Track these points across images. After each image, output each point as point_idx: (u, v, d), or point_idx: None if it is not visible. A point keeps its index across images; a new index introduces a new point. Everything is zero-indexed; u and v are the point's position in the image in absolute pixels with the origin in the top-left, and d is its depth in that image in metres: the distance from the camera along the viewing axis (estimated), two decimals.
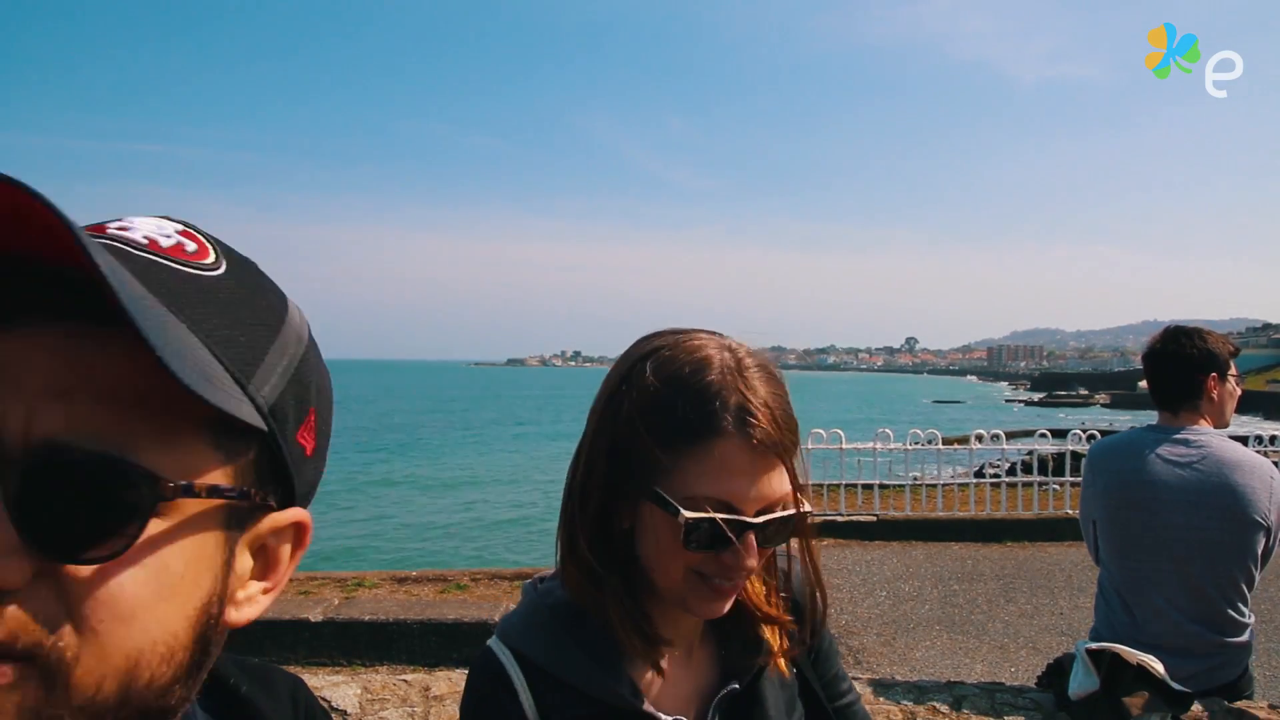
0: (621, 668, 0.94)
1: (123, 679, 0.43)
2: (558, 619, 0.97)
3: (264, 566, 0.53)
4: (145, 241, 0.48)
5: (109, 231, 0.49)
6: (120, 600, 0.42)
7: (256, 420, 0.47)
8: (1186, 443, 2.55)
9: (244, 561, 0.51)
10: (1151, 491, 2.52)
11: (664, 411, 0.89)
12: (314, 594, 6.13)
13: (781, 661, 1.03)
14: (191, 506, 0.45)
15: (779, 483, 0.90)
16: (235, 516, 0.49)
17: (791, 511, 0.92)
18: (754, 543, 0.88)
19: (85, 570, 0.42)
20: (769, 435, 0.89)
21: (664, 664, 0.98)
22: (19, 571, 0.40)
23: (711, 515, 0.87)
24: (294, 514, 0.53)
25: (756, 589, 1.02)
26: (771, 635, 1.02)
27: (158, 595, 0.44)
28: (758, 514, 0.89)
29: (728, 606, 0.93)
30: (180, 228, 0.52)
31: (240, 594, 0.51)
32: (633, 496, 0.92)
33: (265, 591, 0.53)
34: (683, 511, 0.87)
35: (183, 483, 0.44)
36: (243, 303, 0.50)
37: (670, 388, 0.90)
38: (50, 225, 0.39)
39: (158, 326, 0.40)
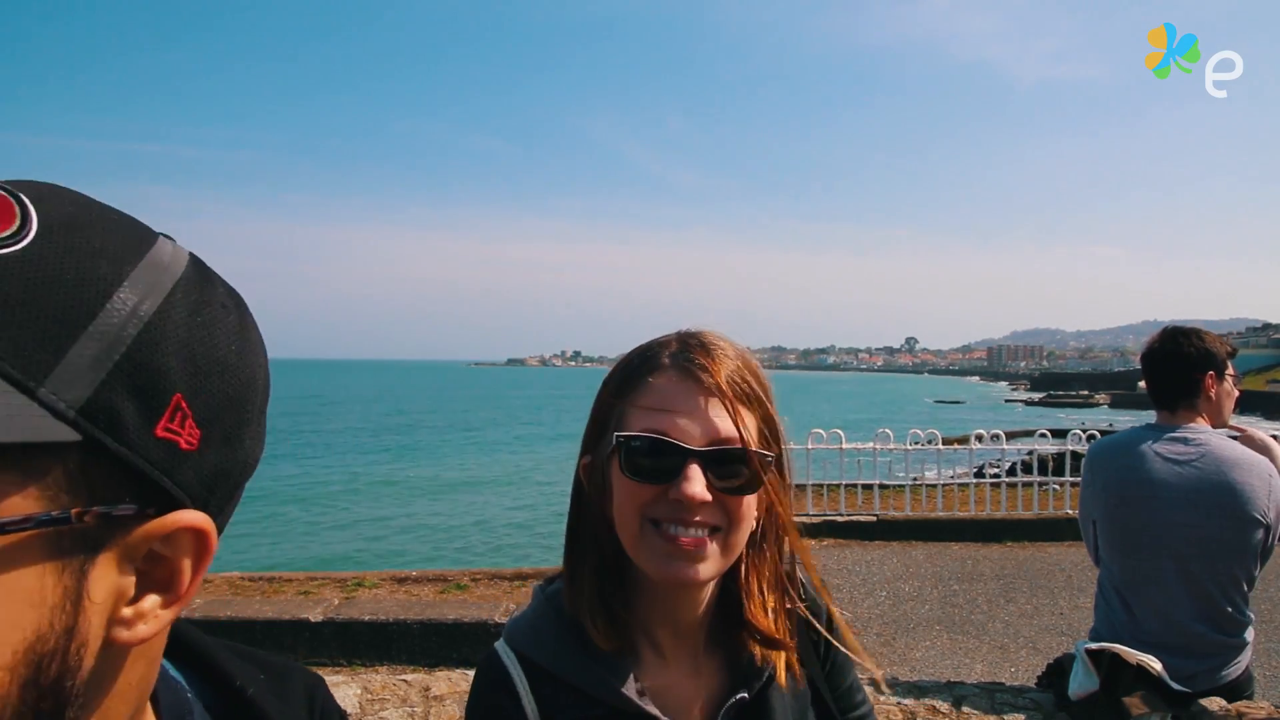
0: (627, 671, 0.94)
1: None
2: (564, 621, 0.97)
3: (164, 578, 0.47)
4: None
5: None
6: None
7: (56, 432, 0.40)
8: (1185, 441, 2.56)
9: (114, 580, 0.44)
10: (1150, 489, 2.52)
11: (620, 368, 0.97)
12: (314, 594, 6.13)
13: (795, 669, 1.01)
14: None
15: (727, 423, 0.90)
16: (66, 541, 0.42)
17: (741, 447, 0.90)
18: (698, 473, 0.88)
19: None
20: (709, 370, 0.91)
21: (669, 669, 0.97)
22: None
23: (645, 434, 0.89)
24: (177, 519, 0.46)
25: (765, 601, 1.00)
26: (776, 659, 1.01)
27: None
28: (709, 452, 0.89)
29: (691, 571, 0.90)
30: None
31: (127, 612, 0.45)
32: (603, 461, 0.95)
33: (165, 605, 0.47)
34: (618, 433, 0.91)
35: None
36: (43, 283, 0.41)
37: (630, 353, 0.98)
38: None
39: None
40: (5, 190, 0.43)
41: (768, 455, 0.92)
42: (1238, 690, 2.52)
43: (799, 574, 1.07)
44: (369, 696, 2.89)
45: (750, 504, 0.93)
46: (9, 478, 0.39)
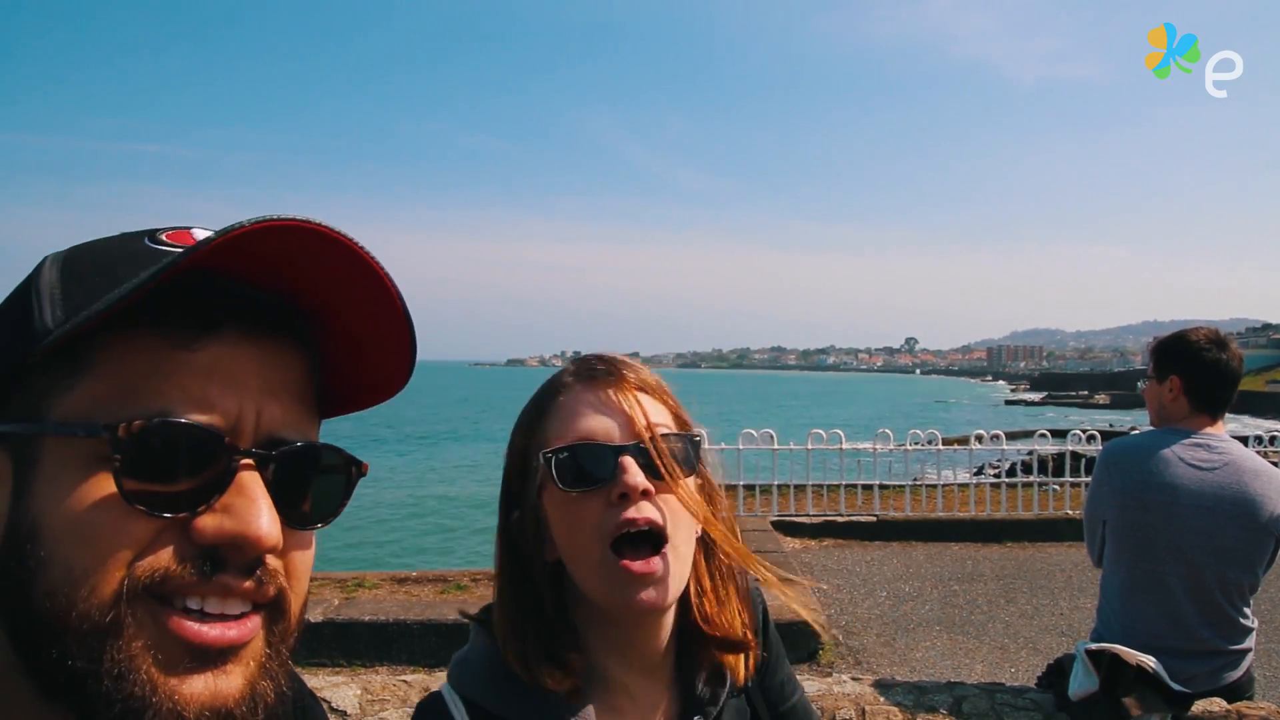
0: (585, 709, 0.91)
1: (300, 614, 0.57)
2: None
3: None
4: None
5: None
6: (308, 556, 0.58)
7: None
8: (1209, 448, 2.53)
9: None
10: (1170, 495, 2.50)
11: (524, 412, 0.97)
12: (314, 594, 6.12)
13: (752, 665, 1.01)
14: None
15: (642, 415, 0.91)
16: None
17: (666, 433, 0.91)
18: (633, 464, 0.87)
19: (300, 534, 0.57)
20: (611, 373, 0.93)
21: (627, 703, 0.95)
22: (279, 539, 0.53)
23: (569, 444, 0.89)
24: None
25: (723, 614, 0.98)
26: (735, 663, 1.00)
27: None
28: (638, 443, 0.90)
29: (659, 595, 0.88)
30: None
31: None
32: (533, 505, 0.94)
33: None
34: (543, 453, 0.90)
35: (362, 462, 0.62)
36: None
37: (530, 399, 0.99)
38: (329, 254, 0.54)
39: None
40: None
41: (695, 436, 0.94)
42: (1238, 691, 2.52)
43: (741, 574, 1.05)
44: (369, 697, 2.88)
45: (685, 494, 0.91)
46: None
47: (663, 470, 0.88)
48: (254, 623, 0.53)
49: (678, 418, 0.96)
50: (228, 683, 0.50)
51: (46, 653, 0.48)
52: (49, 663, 0.48)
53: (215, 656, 0.50)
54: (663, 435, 0.90)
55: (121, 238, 0.59)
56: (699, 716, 0.97)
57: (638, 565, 0.87)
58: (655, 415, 0.92)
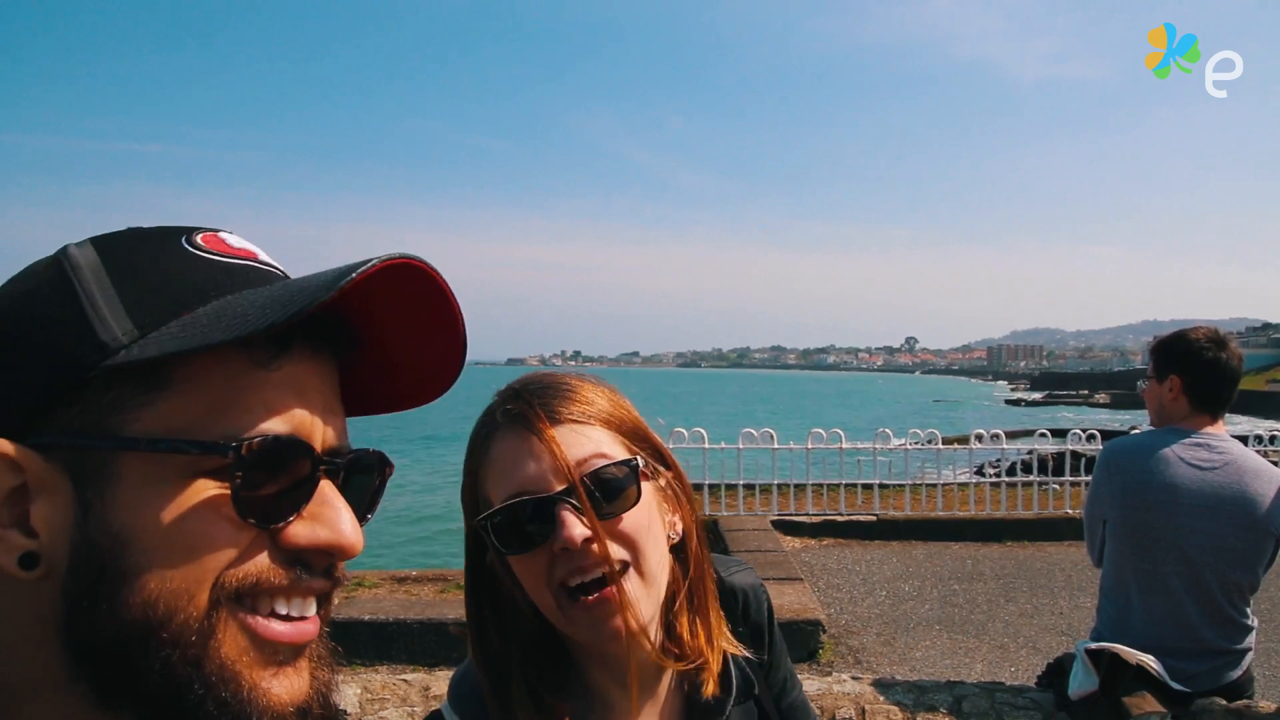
0: None
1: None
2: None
3: None
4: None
5: (259, 257, 0.60)
6: None
7: None
8: (1209, 448, 2.53)
9: None
10: (1171, 495, 2.50)
11: (467, 454, 0.93)
12: None
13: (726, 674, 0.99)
14: None
15: (577, 451, 0.86)
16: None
17: (601, 465, 0.86)
18: (570, 515, 0.83)
19: None
20: (537, 411, 0.87)
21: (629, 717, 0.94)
22: (363, 543, 0.57)
23: (498, 508, 0.85)
24: None
25: (696, 630, 0.95)
26: (711, 677, 0.97)
27: None
28: (568, 488, 0.84)
29: (617, 624, 0.85)
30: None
31: None
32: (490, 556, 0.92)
33: None
34: (477, 521, 0.87)
35: (391, 463, 0.66)
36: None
37: (474, 426, 0.95)
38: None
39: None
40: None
41: (631, 460, 0.88)
42: (1238, 691, 2.52)
43: (740, 581, 1.05)
44: (369, 696, 2.89)
45: (641, 521, 0.88)
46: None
47: (592, 517, 0.84)
48: (317, 620, 0.56)
49: (623, 434, 0.90)
50: (301, 679, 0.54)
51: (137, 662, 0.49)
52: (139, 672, 0.49)
53: (293, 655, 0.54)
54: (597, 470, 0.85)
55: (157, 237, 0.58)
56: None
57: (593, 599, 0.85)
58: (585, 448, 0.86)
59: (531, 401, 0.88)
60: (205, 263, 0.56)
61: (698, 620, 0.95)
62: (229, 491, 0.51)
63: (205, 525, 0.50)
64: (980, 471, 10.56)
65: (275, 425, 0.53)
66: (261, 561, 0.52)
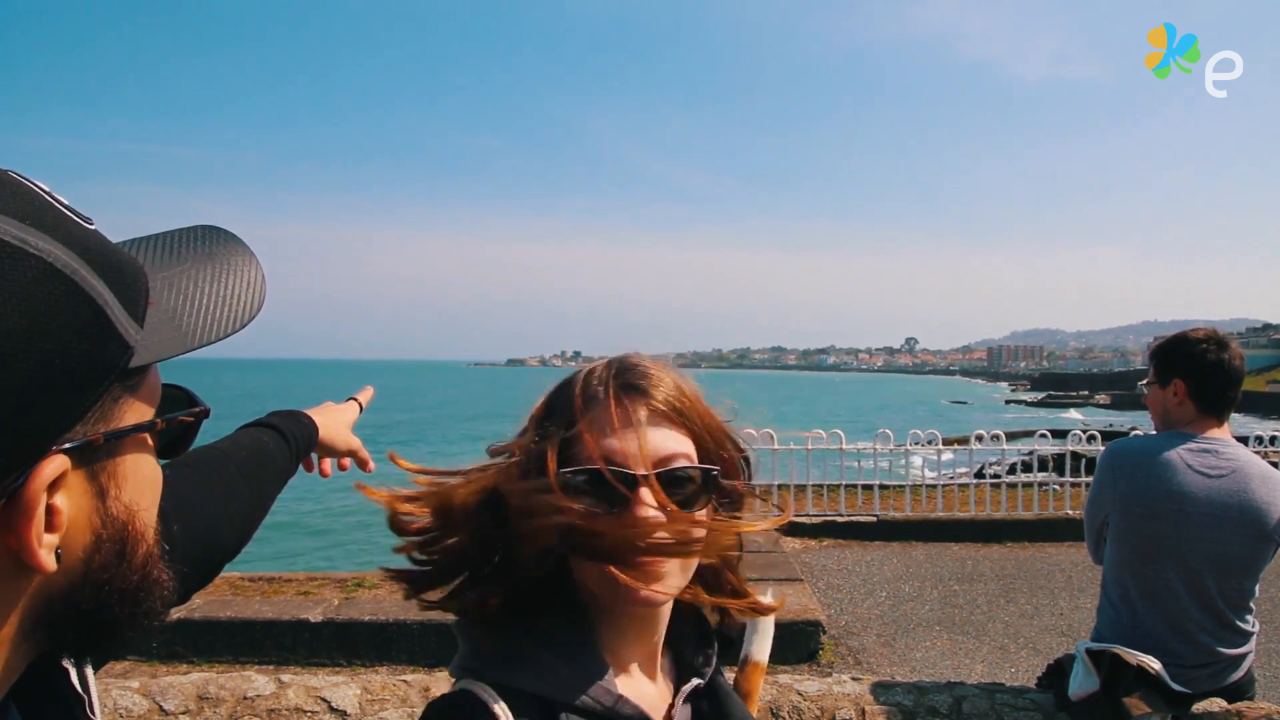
0: (605, 676, 0.92)
1: None
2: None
3: None
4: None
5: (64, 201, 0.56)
6: None
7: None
8: (1216, 454, 2.51)
9: None
10: (1177, 503, 2.47)
11: (547, 406, 0.96)
12: (314, 594, 6.13)
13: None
14: None
15: (670, 442, 0.90)
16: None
17: (687, 465, 0.90)
18: (649, 496, 0.87)
19: None
20: (645, 391, 0.91)
21: (633, 677, 0.96)
22: None
23: (588, 467, 0.88)
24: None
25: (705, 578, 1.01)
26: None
27: None
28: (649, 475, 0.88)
29: (660, 592, 0.89)
30: None
31: None
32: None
33: None
34: (561, 472, 0.89)
35: None
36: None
37: (562, 382, 0.98)
38: None
39: None
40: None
41: (712, 469, 0.92)
42: (1239, 692, 2.52)
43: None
44: (369, 697, 2.88)
45: (702, 517, 0.92)
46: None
47: (665, 501, 0.88)
48: None
49: (711, 439, 0.94)
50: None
51: (126, 604, 0.57)
52: (107, 607, 0.57)
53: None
54: (680, 469, 0.90)
55: (58, 212, 0.54)
56: (696, 678, 0.99)
57: (642, 560, 0.88)
58: (677, 444, 0.91)
59: (647, 378, 0.93)
60: (101, 236, 0.57)
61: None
62: (154, 444, 0.60)
63: (156, 476, 0.61)
64: (980, 472, 10.55)
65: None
66: None
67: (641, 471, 0.88)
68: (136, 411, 0.57)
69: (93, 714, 0.66)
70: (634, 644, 0.96)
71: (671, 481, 0.89)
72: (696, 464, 0.91)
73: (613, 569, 0.90)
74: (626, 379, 0.93)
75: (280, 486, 1.22)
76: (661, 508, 0.87)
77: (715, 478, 0.93)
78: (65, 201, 0.55)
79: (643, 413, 0.90)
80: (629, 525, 0.88)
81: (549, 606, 0.94)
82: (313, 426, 1.32)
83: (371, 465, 1.45)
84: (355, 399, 1.57)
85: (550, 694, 0.88)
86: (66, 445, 0.51)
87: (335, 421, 1.41)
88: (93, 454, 0.53)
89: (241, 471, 1.12)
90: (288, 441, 1.23)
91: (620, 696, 0.92)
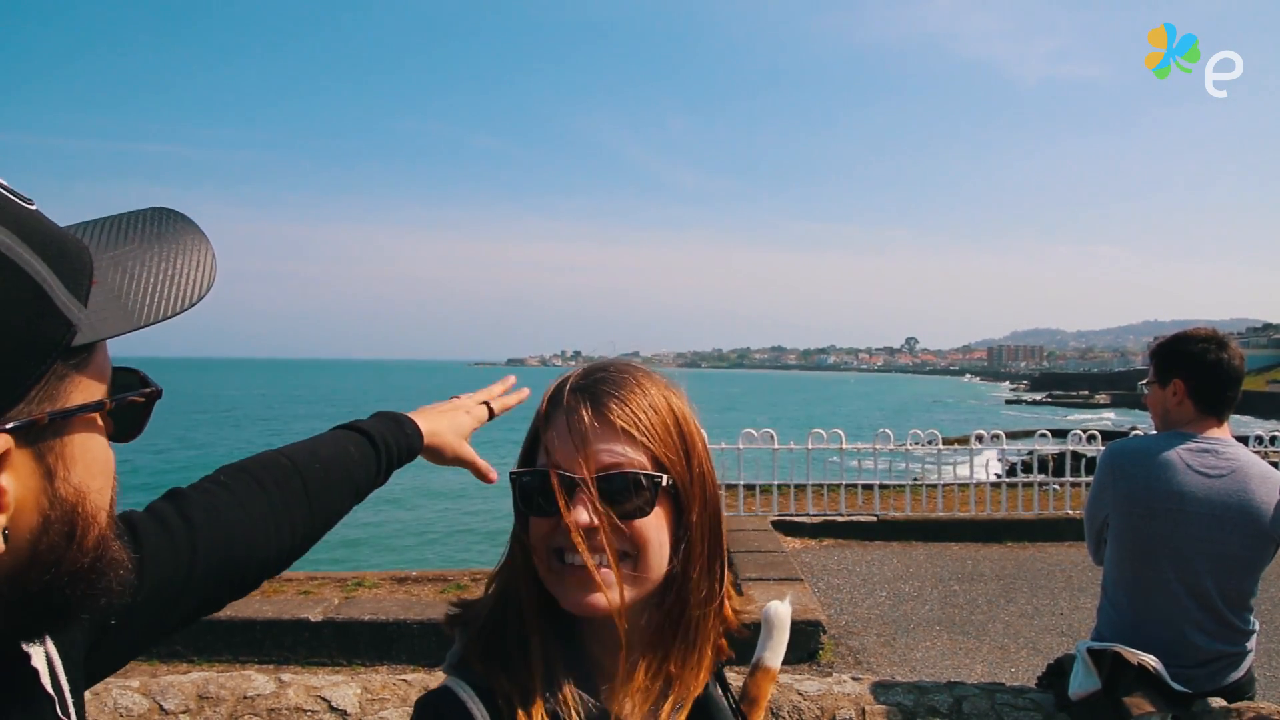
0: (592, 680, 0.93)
1: None
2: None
3: None
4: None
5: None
6: None
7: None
8: (1216, 454, 2.51)
9: None
10: (1178, 503, 2.48)
11: (534, 416, 0.98)
12: (314, 594, 6.13)
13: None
14: None
15: (617, 450, 0.89)
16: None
17: (632, 472, 0.89)
18: (584, 500, 0.87)
19: None
20: (601, 400, 0.91)
21: (604, 684, 0.95)
22: None
23: (532, 469, 0.91)
24: None
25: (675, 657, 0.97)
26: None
27: None
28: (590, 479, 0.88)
29: (593, 599, 0.88)
30: None
31: None
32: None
33: None
34: (511, 471, 0.94)
35: None
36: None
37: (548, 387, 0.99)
38: None
39: None
40: None
41: (657, 477, 0.91)
42: (1239, 691, 2.52)
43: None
44: (369, 696, 2.89)
45: (651, 529, 0.91)
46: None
47: (618, 510, 0.88)
48: None
49: (668, 451, 0.92)
50: None
51: (79, 585, 0.57)
52: (61, 588, 0.57)
53: None
54: (626, 475, 0.89)
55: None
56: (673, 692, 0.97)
57: (575, 566, 0.89)
58: (623, 454, 0.90)
59: (601, 384, 0.93)
60: (43, 216, 0.56)
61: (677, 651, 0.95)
62: (106, 425, 0.60)
63: (108, 458, 0.60)
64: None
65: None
66: None
67: (578, 475, 0.88)
68: (84, 392, 0.56)
69: (65, 715, 0.65)
70: (614, 651, 0.94)
71: (613, 486, 0.89)
72: (642, 472, 0.90)
73: (542, 572, 0.92)
74: (587, 387, 0.93)
75: (358, 499, 1.16)
76: (596, 513, 0.88)
77: (666, 489, 0.92)
78: (5, 184, 0.55)
79: (593, 420, 0.90)
80: (553, 528, 0.89)
81: (542, 609, 0.94)
82: (416, 435, 1.23)
83: (493, 475, 1.32)
84: (485, 401, 1.43)
85: (529, 696, 0.89)
86: (9, 425, 0.50)
87: (445, 428, 1.30)
88: (38, 434, 0.53)
89: (308, 487, 1.07)
90: (377, 450, 1.16)
91: (597, 704, 0.91)
